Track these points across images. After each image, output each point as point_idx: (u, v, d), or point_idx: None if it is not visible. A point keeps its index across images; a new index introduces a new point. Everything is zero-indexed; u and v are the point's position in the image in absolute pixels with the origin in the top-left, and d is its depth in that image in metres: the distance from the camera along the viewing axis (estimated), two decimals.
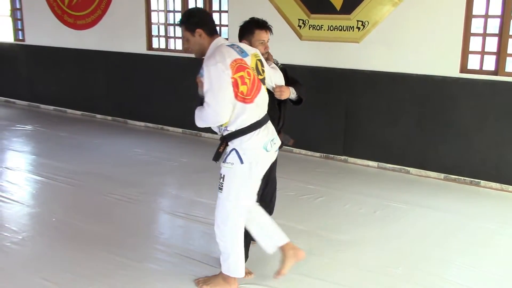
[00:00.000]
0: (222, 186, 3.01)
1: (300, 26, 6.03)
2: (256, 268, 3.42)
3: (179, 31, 7.20)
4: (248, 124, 2.92)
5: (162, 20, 7.35)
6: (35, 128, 7.59)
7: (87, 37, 8.12)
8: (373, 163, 5.84)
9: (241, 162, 2.94)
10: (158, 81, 7.43)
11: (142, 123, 7.80)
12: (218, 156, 3.03)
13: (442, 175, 5.45)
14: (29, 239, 3.84)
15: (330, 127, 6.07)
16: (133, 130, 7.62)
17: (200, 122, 2.98)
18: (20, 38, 9.20)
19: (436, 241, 3.99)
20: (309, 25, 5.97)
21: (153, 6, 7.38)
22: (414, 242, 3.94)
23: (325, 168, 5.82)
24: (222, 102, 2.83)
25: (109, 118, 8.15)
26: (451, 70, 5.24)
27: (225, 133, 2.98)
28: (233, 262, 3.11)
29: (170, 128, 7.47)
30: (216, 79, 2.82)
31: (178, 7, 7.12)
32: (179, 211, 4.45)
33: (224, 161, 3.00)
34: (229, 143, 2.98)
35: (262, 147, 2.97)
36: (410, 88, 5.52)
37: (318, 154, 6.22)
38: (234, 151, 2.96)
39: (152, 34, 7.48)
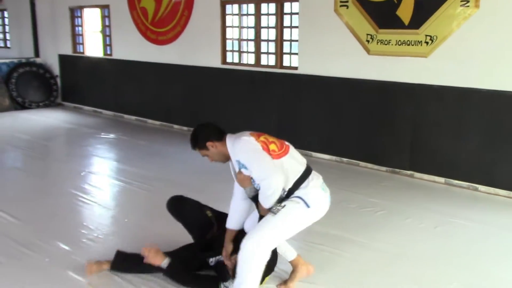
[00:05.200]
0: (278, 212, 2.96)
1: (368, 41, 6.10)
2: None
3: (251, 45, 7.49)
4: (299, 174, 3.02)
5: (236, 36, 7.68)
6: (118, 136, 8.17)
7: (167, 52, 8.64)
8: (440, 179, 5.75)
9: (307, 206, 2.99)
10: (231, 94, 7.75)
11: None
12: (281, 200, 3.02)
13: None
14: (103, 237, 4.22)
15: (396, 141, 6.06)
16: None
17: (269, 200, 2.97)
18: (108, 52, 9.93)
19: (497, 260, 3.91)
20: (377, 39, 6.01)
21: (228, 22, 7.73)
22: (473, 259, 3.89)
23: (390, 183, 5.80)
24: (272, 167, 2.91)
25: (185, 128, 8.58)
26: None
27: (284, 194, 3.02)
28: (250, 282, 2.97)
29: None
30: (252, 153, 2.95)
31: (251, 23, 7.42)
32: None
33: (289, 198, 3.00)
34: (290, 195, 3.01)
35: (320, 188, 3.07)
36: (480, 103, 5.41)
37: (384, 168, 6.21)
38: (296, 197, 3.00)
39: (227, 49, 7.83)
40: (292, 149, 3.13)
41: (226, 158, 3.19)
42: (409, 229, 4.46)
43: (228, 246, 3.32)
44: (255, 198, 3.13)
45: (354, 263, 3.78)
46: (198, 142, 3.19)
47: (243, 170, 3.04)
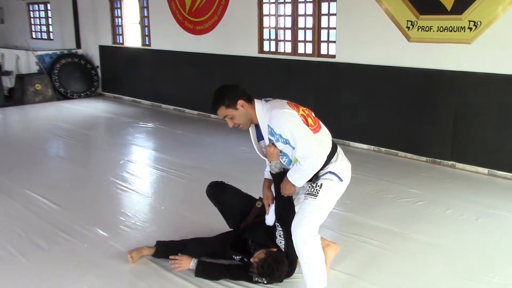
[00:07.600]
0: (318, 193, 2.91)
1: (408, 28, 5.93)
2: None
3: (288, 34, 7.42)
4: (330, 149, 2.96)
5: (273, 24, 7.61)
6: (156, 125, 8.26)
7: (205, 42, 8.66)
8: (483, 170, 5.57)
9: (341, 180, 2.97)
10: (267, 83, 7.70)
11: None
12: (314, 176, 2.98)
13: None
14: (140, 223, 4.27)
15: (437, 130, 5.89)
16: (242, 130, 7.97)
17: (305, 179, 2.93)
18: (147, 43, 10.03)
19: None
20: (418, 26, 5.84)
21: (265, 11, 7.67)
22: None
23: (431, 173, 5.65)
24: (317, 146, 2.83)
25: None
26: None
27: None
28: (319, 274, 2.95)
29: None
30: (298, 129, 2.80)
31: (289, 11, 7.34)
32: None
33: (322, 176, 2.95)
34: (321, 171, 2.95)
35: (346, 160, 3.07)
36: None
37: (424, 158, 6.06)
38: (329, 173, 2.95)
39: (264, 37, 7.77)
40: (321, 122, 3.06)
41: (251, 122, 3.03)
42: (450, 221, 4.33)
43: (268, 193, 3.27)
44: (275, 175, 3.09)
45: (395, 255, 3.70)
46: (227, 99, 2.94)
47: (277, 144, 2.91)
